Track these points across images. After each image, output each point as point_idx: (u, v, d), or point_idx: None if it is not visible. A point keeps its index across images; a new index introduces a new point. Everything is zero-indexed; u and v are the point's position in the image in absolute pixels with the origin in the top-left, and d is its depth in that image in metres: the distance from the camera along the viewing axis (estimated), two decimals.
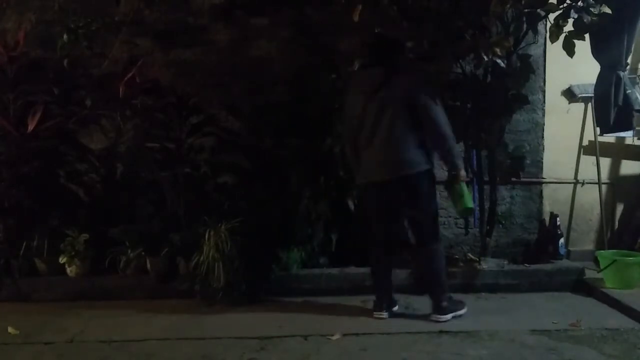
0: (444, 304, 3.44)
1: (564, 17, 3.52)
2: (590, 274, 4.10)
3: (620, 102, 4.12)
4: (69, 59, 4.12)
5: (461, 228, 4.47)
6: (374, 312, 3.52)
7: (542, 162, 4.55)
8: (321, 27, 4.29)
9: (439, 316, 3.42)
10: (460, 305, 3.51)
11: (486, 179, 4.16)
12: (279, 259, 3.91)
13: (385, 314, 3.50)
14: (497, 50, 3.53)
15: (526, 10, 3.65)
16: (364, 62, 3.59)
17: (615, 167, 4.72)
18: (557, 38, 3.55)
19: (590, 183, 4.64)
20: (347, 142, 3.58)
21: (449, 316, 3.43)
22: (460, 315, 3.47)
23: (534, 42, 4.03)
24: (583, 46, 3.84)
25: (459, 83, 3.95)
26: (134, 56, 4.21)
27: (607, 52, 4.07)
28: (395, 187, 3.36)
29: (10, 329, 3.29)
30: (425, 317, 3.46)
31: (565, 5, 3.53)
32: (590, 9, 3.47)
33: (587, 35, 3.68)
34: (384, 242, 3.55)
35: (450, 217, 4.45)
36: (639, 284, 3.85)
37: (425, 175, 3.36)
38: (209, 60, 4.35)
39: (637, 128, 4.48)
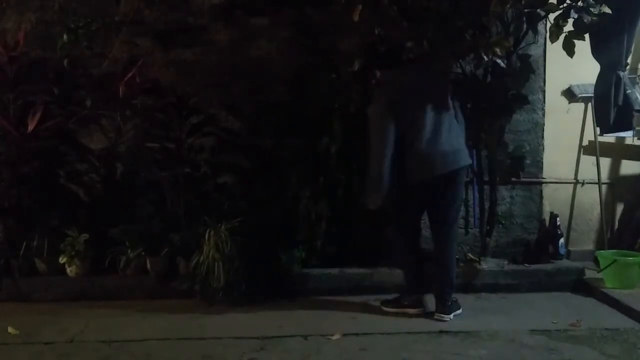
0: (449, 302, 3.46)
1: (564, 17, 3.52)
2: (590, 274, 4.10)
3: (620, 102, 4.11)
4: (69, 59, 4.11)
5: (461, 228, 4.46)
6: (411, 310, 3.52)
7: (542, 162, 4.54)
8: (321, 27, 4.28)
9: (443, 315, 3.43)
10: (458, 304, 3.52)
11: (486, 179, 4.17)
12: (279, 259, 3.92)
13: (422, 310, 3.52)
14: (497, 50, 3.53)
15: (526, 10, 3.65)
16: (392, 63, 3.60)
17: (615, 167, 4.72)
18: (557, 38, 3.54)
19: (590, 183, 4.64)
20: (386, 146, 3.35)
21: (451, 315, 3.44)
22: (457, 315, 3.48)
23: (534, 42, 4.03)
24: (583, 46, 3.84)
25: (459, 83, 3.95)
26: (134, 56, 4.20)
27: (607, 52, 4.07)
28: (455, 178, 3.40)
29: (10, 329, 3.29)
30: (425, 317, 3.47)
31: (565, 5, 3.53)
32: (590, 9, 3.47)
33: (587, 35, 3.68)
34: (418, 238, 3.63)
35: None
36: (639, 284, 3.85)
37: None
38: (209, 60, 4.34)
39: (637, 128, 4.47)
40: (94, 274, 3.96)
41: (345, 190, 4.04)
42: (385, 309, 3.61)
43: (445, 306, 3.45)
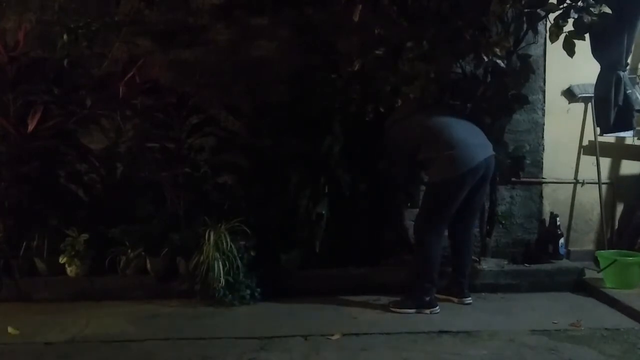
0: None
1: (564, 17, 3.52)
2: (590, 274, 4.10)
3: (620, 102, 4.10)
4: (69, 59, 4.11)
5: None
6: (462, 299, 3.69)
7: (542, 162, 4.55)
8: (321, 27, 4.29)
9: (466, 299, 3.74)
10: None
11: None
12: (279, 259, 3.92)
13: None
14: (497, 50, 3.54)
15: (526, 10, 3.65)
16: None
17: (615, 167, 4.72)
18: (557, 38, 3.55)
19: (590, 183, 4.64)
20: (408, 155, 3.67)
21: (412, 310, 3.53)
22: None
23: (534, 42, 4.03)
24: (583, 46, 3.83)
25: (459, 83, 3.95)
26: (134, 56, 4.20)
27: (607, 52, 4.06)
28: (486, 168, 3.56)
29: (10, 329, 3.28)
30: (424, 316, 3.47)
31: (565, 5, 3.53)
32: (590, 9, 3.47)
33: (587, 35, 3.68)
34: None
35: None
36: (639, 284, 3.85)
37: None
38: (209, 60, 4.34)
39: (637, 128, 4.47)
40: (94, 274, 3.95)
41: (346, 190, 4.03)
42: (399, 310, 3.55)
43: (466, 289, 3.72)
